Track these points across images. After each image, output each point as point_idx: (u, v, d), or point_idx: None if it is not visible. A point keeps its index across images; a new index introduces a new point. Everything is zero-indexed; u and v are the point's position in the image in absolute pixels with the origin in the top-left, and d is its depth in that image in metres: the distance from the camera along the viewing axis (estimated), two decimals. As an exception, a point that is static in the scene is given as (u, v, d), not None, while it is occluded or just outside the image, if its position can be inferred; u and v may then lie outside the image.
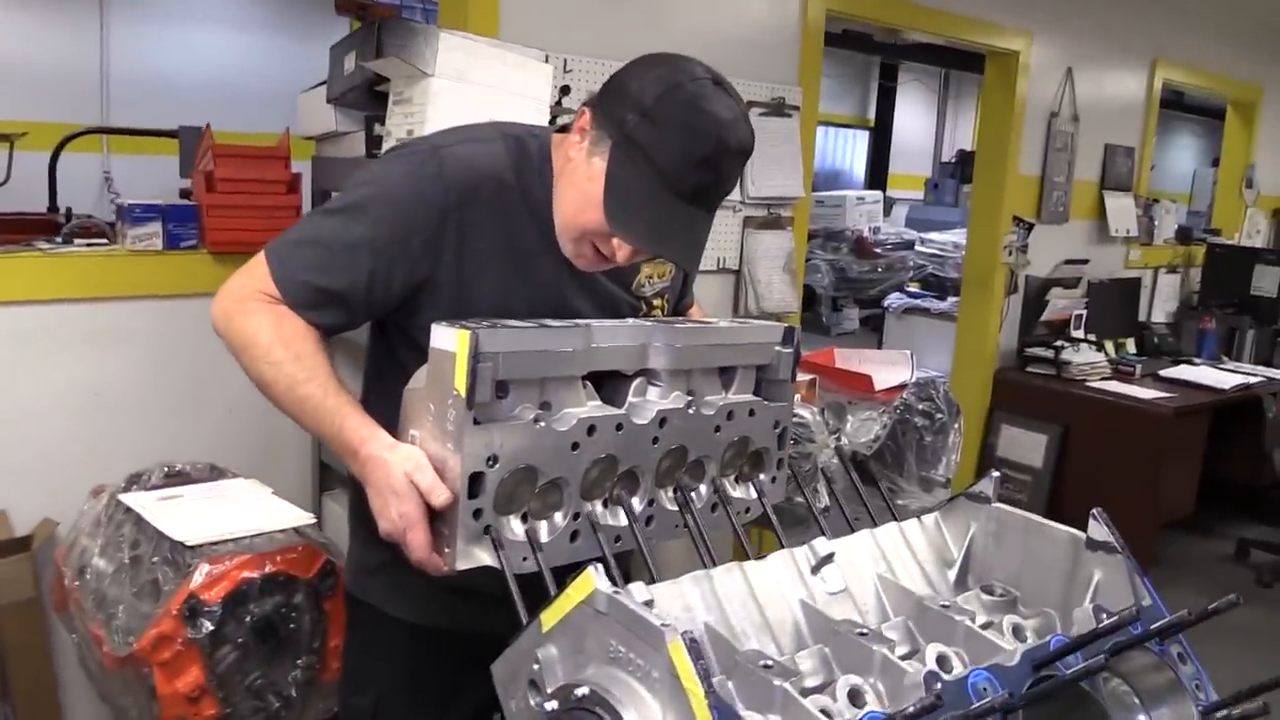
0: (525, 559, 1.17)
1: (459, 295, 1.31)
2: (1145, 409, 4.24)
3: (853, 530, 1.31)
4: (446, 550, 1.14)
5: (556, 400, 1.18)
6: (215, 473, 2.16)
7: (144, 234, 2.37)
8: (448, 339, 1.09)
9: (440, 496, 1.10)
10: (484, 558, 1.14)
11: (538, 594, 1.09)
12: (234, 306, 1.28)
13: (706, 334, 1.31)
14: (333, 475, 2.75)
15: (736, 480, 1.38)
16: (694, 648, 0.84)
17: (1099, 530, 1.18)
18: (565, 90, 2.28)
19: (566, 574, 1.13)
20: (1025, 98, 4.40)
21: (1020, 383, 4.62)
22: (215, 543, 1.77)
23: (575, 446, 1.16)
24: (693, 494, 1.31)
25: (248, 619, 1.72)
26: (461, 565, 1.14)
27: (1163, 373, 4.72)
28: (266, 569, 1.74)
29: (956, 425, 3.38)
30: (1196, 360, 5.10)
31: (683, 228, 1.25)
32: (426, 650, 1.46)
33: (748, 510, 1.38)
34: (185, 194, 2.69)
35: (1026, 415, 4.56)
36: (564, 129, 1.37)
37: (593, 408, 1.20)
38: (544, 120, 2.11)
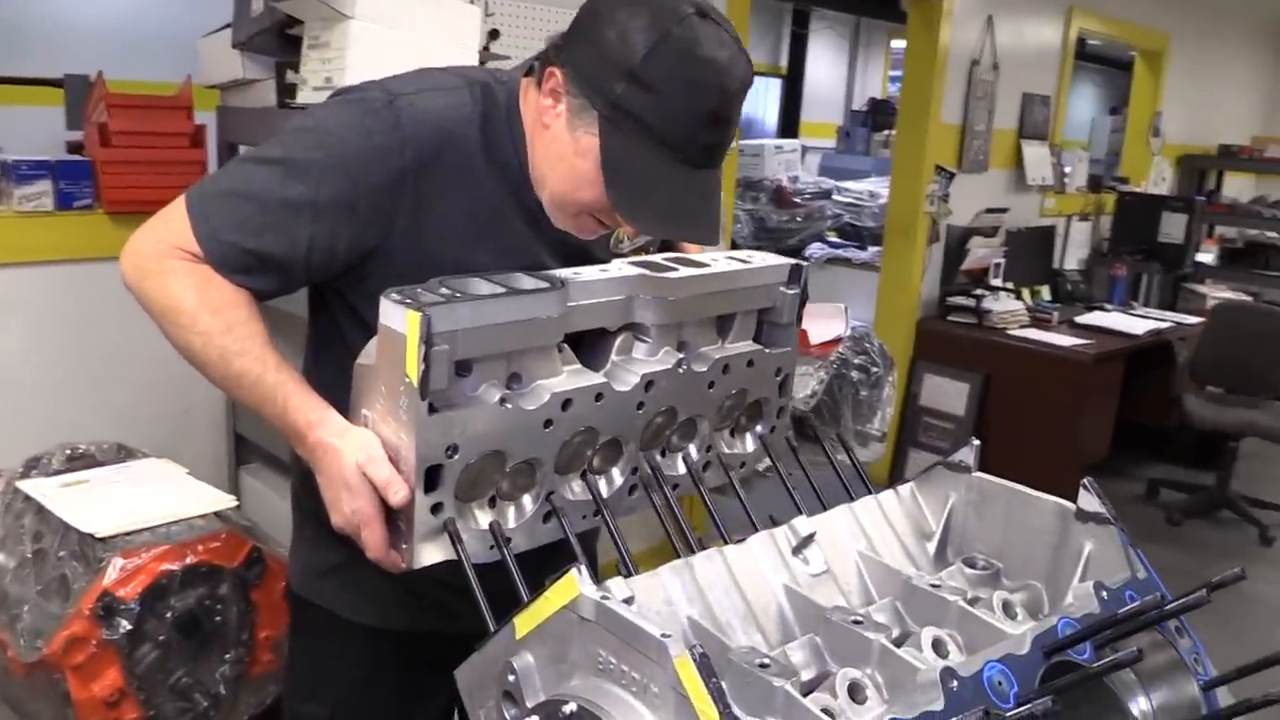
0: (491, 547, 1.07)
1: (415, 263, 1.16)
2: (1065, 356, 4.31)
3: (820, 497, 1.24)
4: (404, 546, 1.04)
5: (527, 371, 1.05)
6: (123, 453, 1.99)
7: (32, 194, 2.16)
8: (396, 317, 0.96)
9: (398, 495, 0.99)
10: (445, 552, 1.04)
11: (505, 583, 1.00)
12: (150, 265, 1.12)
13: (702, 281, 1.15)
14: (250, 448, 2.60)
15: (732, 433, 1.28)
16: (704, 663, 0.75)
17: (1090, 501, 1.13)
18: (494, 34, 2.13)
19: (538, 561, 1.04)
20: (948, 46, 4.37)
21: (942, 332, 4.65)
22: (129, 533, 1.62)
23: (548, 424, 1.05)
24: (681, 454, 1.21)
25: (169, 615, 1.59)
26: (421, 563, 1.04)
27: (1078, 319, 4.81)
28: (188, 560, 1.60)
29: (890, 378, 3.37)
30: (1108, 306, 5.21)
31: (699, 199, 1.12)
32: (385, 653, 1.34)
33: (743, 465, 1.30)
34: (74, 148, 2.47)
35: (949, 364, 4.60)
36: (530, 72, 1.22)
37: (569, 375, 1.08)
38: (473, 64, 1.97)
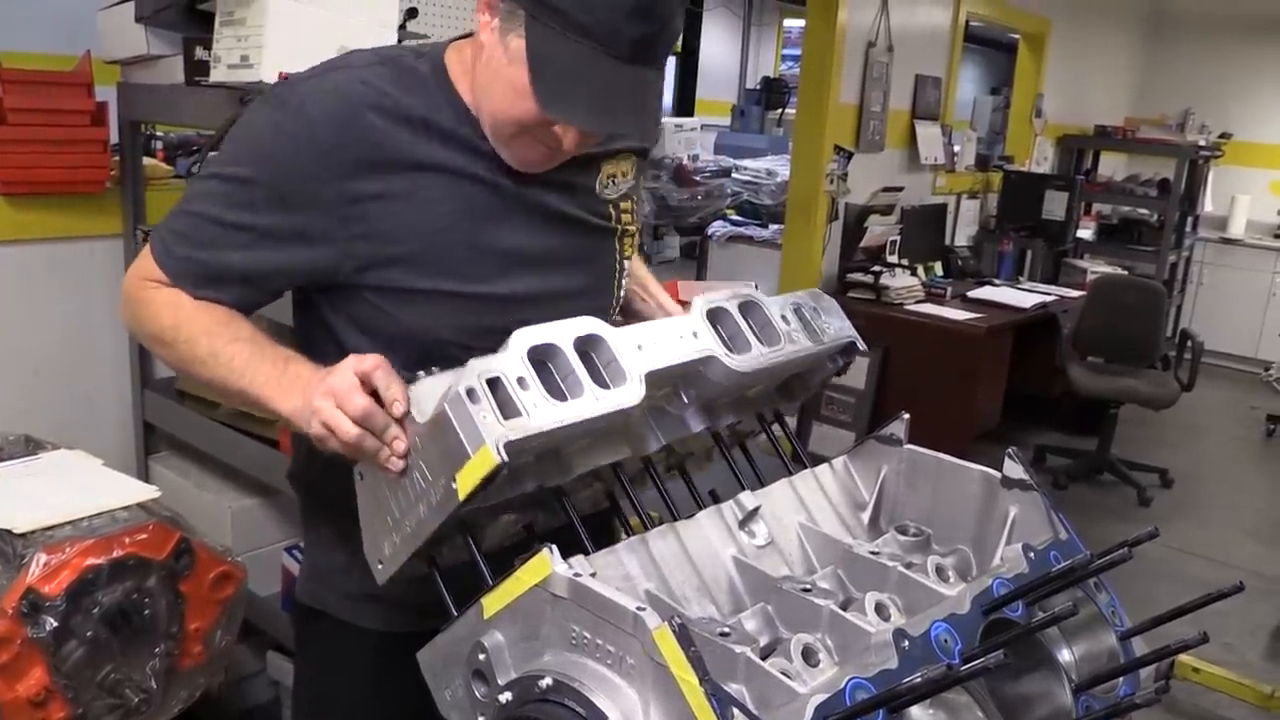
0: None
1: (381, 241, 1.13)
2: (959, 329, 4.48)
3: (757, 472, 1.28)
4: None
5: (566, 448, 1.04)
6: (32, 445, 1.92)
7: (-82, 174, 2.05)
8: (470, 431, 0.89)
9: (400, 407, 0.97)
10: None
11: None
12: (130, 300, 1.18)
13: (771, 365, 1.14)
14: (159, 437, 2.52)
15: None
16: (683, 633, 0.79)
17: (1014, 469, 1.21)
18: (412, 13, 2.11)
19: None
20: (845, 28, 4.47)
21: (842, 308, 4.76)
22: (50, 528, 1.57)
23: (560, 489, 1.06)
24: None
25: (96, 610, 1.54)
26: None
27: (970, 294, 5.00)
28: (114, 553, 1.56)
29: (800, 354, 3.46)
30: (996, 280, 5.44)
31: (629, 94, 1.06)
32: (395, 659, 1.25)
33: (691, 454, 1.33)
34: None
35: (849, 339, 4.72)
36: (466, 36, 1.19)
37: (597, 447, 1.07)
38: (391, 43, 1.94)
